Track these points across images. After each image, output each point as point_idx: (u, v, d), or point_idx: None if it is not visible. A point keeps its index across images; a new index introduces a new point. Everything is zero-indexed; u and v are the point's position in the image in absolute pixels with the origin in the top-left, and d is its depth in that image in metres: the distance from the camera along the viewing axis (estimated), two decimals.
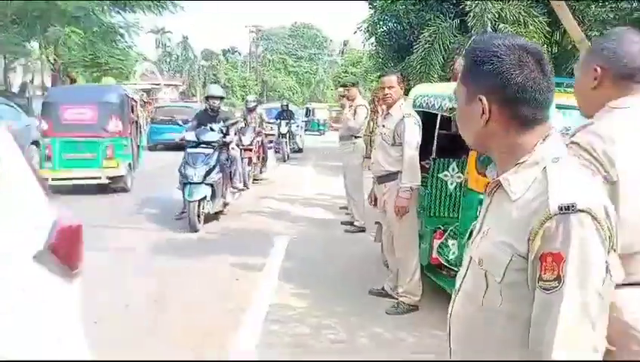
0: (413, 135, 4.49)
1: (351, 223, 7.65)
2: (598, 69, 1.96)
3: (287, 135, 16.89)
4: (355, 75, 41.24)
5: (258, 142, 11.77)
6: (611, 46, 1.96)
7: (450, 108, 4.50)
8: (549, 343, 1.14)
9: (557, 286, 1.15)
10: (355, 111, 7.66)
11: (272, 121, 17.41)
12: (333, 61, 72.34)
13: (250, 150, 10.95)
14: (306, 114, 29.89)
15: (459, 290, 1.42)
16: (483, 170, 4.08)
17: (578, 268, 1.14)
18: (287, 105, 18.29)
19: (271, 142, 16.18)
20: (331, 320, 4.49)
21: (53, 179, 8.77)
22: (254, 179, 11.43)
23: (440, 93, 4.97)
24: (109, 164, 9.54)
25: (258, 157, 11.86)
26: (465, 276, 1.40)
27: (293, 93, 63.53)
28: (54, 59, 19.36)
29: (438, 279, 4.78)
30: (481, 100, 1.30)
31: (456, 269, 4.37)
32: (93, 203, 8.92)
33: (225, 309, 4.67)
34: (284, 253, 6.34)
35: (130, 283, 5.24)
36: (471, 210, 4.10)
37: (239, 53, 71.14)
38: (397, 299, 4.73)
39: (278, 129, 16.67)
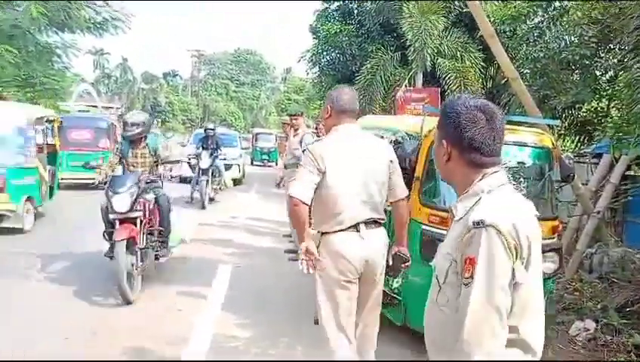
0: None
1: (295, 251, 7.64)
2: (329, 108, 3.37)
3: (211, 171, 12.33)
4: (297, 103, 41.59)
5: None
6: (335, 94, 3.40)
7: (395, 141, 4.64)
8: (464, 324, 1.55)
9: (470, 282, 1.56)
10: (301, 138, 7.73)
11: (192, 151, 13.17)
12: (276, 88, 72.81)
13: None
14: (255, 140, 27.77)
15: (428, 299, 1.83)
16: (426, 201, 4.21)
17: (484, 268, 1.55)
18: (212, 130, 13.07)
19: (186, 180, 13.55)
20: (276, 350, 4.47)
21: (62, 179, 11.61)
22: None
23: (384, 125, 5.13)
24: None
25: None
26: (430, 287, 1.82)
27: (235, 119, 63.28)
28: None
29: (382, 308, 4.84)
30: (444, 144, 1.77)
31: (399, 298, 4.46)
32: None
33: (167, 340, 4.56)
34: (228, 283, 6.26)
35: (67, 315, 5.04)
36: (414, 240, 4.21)
37: (180, 77, 70.46)
38: None
39: (197, 163, 11.79)
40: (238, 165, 17.65)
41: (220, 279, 6.39)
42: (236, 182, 17.07)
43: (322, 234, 3.24)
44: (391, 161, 3.36)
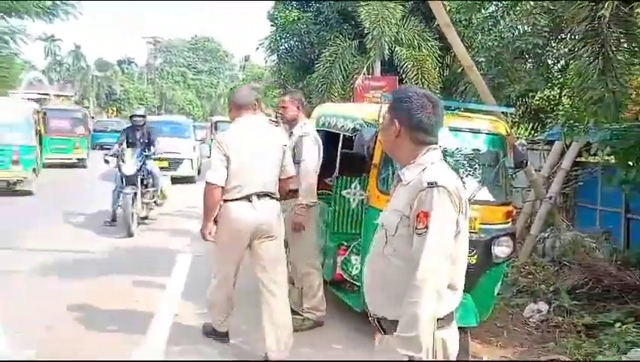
0: (310, 154, 4.61)
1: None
2: (231, 104, 4.31)
3: (140, 178, 8.50)
4: (256, 91, 41.25)
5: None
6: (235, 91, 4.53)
7: (353, 129, 4.66)
8: (419, 264, 1.91)
9: (425, 231, 1.93)
10: None
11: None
12: (235, 75, 71.91)
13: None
14: (214, 128, 21.35)
15: (369, 253, 2.21)
16: (384, 189, 4.25)
17: (437, 219, 1.93)
18: (141, 117, 9.22)
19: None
20: (236, 340, 4.45)
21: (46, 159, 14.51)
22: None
23: (343, 113, 5.14)
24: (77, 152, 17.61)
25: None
26: (374, 241, 2.19)
27: (194, 107, 62.37)
28: None
29: (341, 294, 4.89)
30: (395, 123, 2.11)
31: (359, 284, 4.51)
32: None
33: (125, 331, 4.50)
34: (188, 272, 6.20)
35: (21, 307, 4.90)
36: (372, 227, 4.21)
37: (136, 65, 68.79)
38: (302, 315, 4.78)
39: (118, 167, 8.44)
40: (191, 160, 15.12)
41: (179, 269, 6.32)
42: (189, 179, 14.45)
43: (224, 201, 3.96)
44: (284, 145, 4.18)
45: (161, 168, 11.65)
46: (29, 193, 11.45)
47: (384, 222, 2.12)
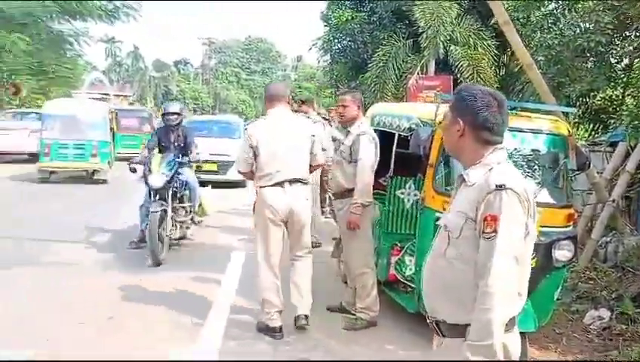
0: (367, 153, 4.57)
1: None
2: (264, 97, 4.74)
3: (171, 192, 6.88)
4: (308, 91, 41.50)
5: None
6: (267, 86, 4.93)
7: (408, 128, 4.62)
8: (488, 270, 1.85)
9: (494, 236, 1.87)
10: None
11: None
12: (287, 75, 72.53)
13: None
14: None
15: (428, 255, 2.14)
16: (440, 189, 4.20)
17: (507, 224, 1.87)
18: (176, 115, 7.35)
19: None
20: (289, 337, 4.49)
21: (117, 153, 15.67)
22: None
23: (398, 113, 5.10)
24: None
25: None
26: (434, 242, 2.12)
27: (247, 107, 63.29)
28: None
29: (395, 295, 4.87)
30: (459, 122, 2.04)
31: (413, 285, 4.47)
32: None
33: (181, 325, 4.61)
34: (242, 269, 6.30)
35: (84, 299, 5.11)
36: (428, 227, 4.20)
37: (191, 65, 70.44)
38: (355, 314, 4.78)
39: (145, 177, 6.82)
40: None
41: (234, 266, 6.43)
42: (240, 183, 12.67)
43: (260, 187, 4.46)
44: (312, 135, 4.59)
45: (210, 172, 12.09)
46: (104, 181, 13.39)
47: (447, 223, 2.05)
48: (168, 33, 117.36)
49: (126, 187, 10.73)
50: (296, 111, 9.12)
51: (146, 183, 6.67)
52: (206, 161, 10.79)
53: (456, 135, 2.06)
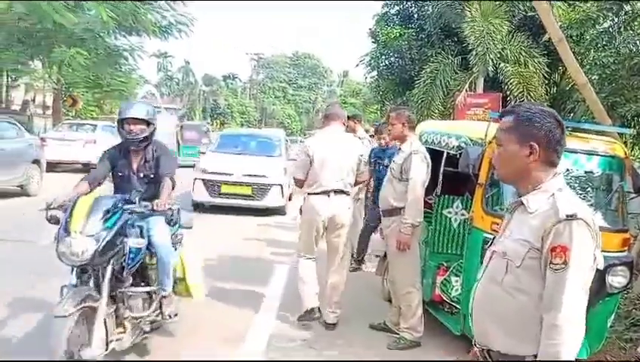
0: (419, 172, 4.53)
1: (351, 255, 7.52)
2: (321, 115, 5.54)
3: (117, 266, 3.69)
4: (354, 106, 41.63)
5: None
6: (327, 106, 6.02)
7: (457, 147, 4.57)
8: (558, 303, 1.78)
9: (564, 268, 1.79)
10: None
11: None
12: (333, 91, 72.96)
13: None
14: None
15: (480, 279, 2.05)
16: (489, 209, 4.12)
17: (578, 256, 1.79)
18: (140, 127, 4.10)
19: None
20: (332, 353, 4.48)
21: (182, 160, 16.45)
22: None
23: (446, 131, 5.05)
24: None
25: None
26: (485, 268, 2.03)
27: (292, 122, 63.94)
28: (57, 79, 19.49)
29: (439, 315, 4.79)
30: (531, 146, 1.91)
31: (458, 307, 4.39)
32: None
33: (225, 338, 4.65)
34: (285, 282, 6.32)
35: None
36: (475, 248, 4.13)
37: (239, 80, 71.76)
38: (398, 334, 4.72)
39: (57, 244, 3.47)
40: (281, 186, 11.00)
41: (277, 278, 6.47)
42: (278, 210, 11.12)
43: (308, 194, 5.00)
44: (360, 155, 5.13)
45: (243, 196, 10.74)
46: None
47: (506, 251, 1.94)
48: (218, 48, 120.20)
49: (187, 192, 11.01)
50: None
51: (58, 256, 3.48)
52: (239, 184, 10.81)
53: (526, 160, 1.93)
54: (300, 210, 5.18)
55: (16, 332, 4.37)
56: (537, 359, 1.84)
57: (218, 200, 10.78)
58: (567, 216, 1.81)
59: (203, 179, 10.81)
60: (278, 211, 11.07)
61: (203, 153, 19.47)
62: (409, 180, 4.52)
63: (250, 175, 10.84)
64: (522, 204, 1.95)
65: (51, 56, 17.16)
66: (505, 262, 1.93)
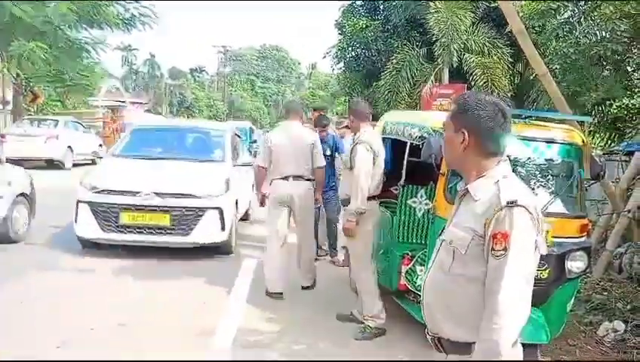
0: (361, 161, 4.64)
1: (319, 247, 7.63)
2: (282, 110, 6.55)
3: None
4: (322, 98, 41.61)
5: None
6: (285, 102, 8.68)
7: (420, 137, 4.60)
8: (497, 289, 1.78)
9: (504, 254, 1.80)
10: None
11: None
12: (301, 83, 72.89)
13: None
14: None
15: (430, 268, 2.07)
16: (452, 198, 4.16)
17: (518, 242, 1.79)
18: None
19: None
20: (300, 346, 4.48)
21: None
22: None
23: (410, 121, 5.07)
24: None
25: None
26: (435, 256, 2.05)
27: (261, 114, 63.57)
28: (17, 74, 18.95)
29: (405, 305, 4.82)
30: (463, 133, 1.94)
31: None
32: None
33: (192, 333, 4.60)
34: (252, 276, 6.29)
35: (94, 306, 5.13)
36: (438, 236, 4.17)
37: (207, 73, 70.91)
38: (363, 323, 4.77)
39: None
40: (220, 211, 6.89)
41: (244, 272, 6.43)
42: (216, 249, 7.09)
43: (272, 180, 5.68)
44: (313, 143, 5.77)
45: (158, 229, 6.63)
46: None
47: (453, 238, 1.95)
48: (184, 41, 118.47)
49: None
50: (310, 119, 9.21)
51: None
52: (150, 209, 6.59)
53: (460, 147, 1.96)
54: (264, 198, 5.86)
55: None
56: (477, 344, 1.84)
57: (115, 237, 6.69)
58: (508, 202, 1.82)
59: (90, 203, 6.68)
60: (218, 250, 7.11)
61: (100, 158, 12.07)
62: (353, 169, 4.67)
63: (168, 194, 6.64)
64: (468, 191, 1.97)
65: (9, 50, 16.67)
66: (452, 249, 1.94)
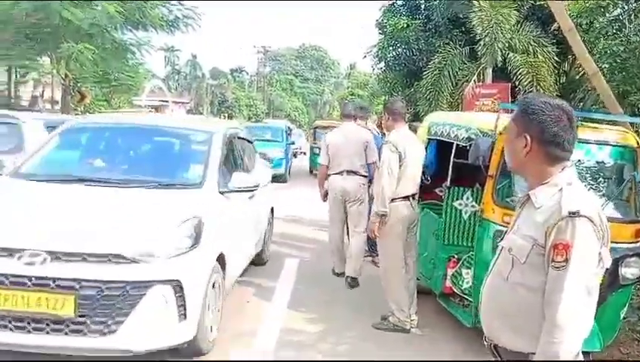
0: (384, 160, 4.68)
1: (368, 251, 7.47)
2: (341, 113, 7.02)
3: None
4: (361, 98, 41.50)
5: None
6: (343, 105, 7.21)
7: (467, 138, 4.54)
8: (558, 301, 1.73)
9: (565, 266, 1.74)
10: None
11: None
12: (340, 83, 72.86)
13: None
14: (313, 138, 19.88)
15: (489, 274, 2.02)
16: (500, 201, 4.10)
17: (580, 254, 1.73)
18: None
19: None
20: (344, 347, 4.49)
21: None
22: None
23: (456, 122, 5.01)
24: None
25: None
26: (494, 262, 2.01)
27: (299, 114, 63.85)
28: (65, 75, 19.53)
29: (450, 308, 4.77)
30: (525, 138, 1.88)
31: (470, 299, 4.38)
32: None
33: (236, 332, 4.65)
34: (295, 276, 6.33)
35: None
36: (486, 240, 4.11)
37: (247, 73, 71.64)
38: (387, 317, 4.91)
39: None
40: (177, 287, 3.60)
41: (287, 273, 6.47)
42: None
43: (329, 175, 6.20)
44: (367, 141, 6.18)
45: (52, 325, 3.34)
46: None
47: (512, 246, 1.91)
48: (225, 42, 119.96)
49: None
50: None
51: None
52: (37, 286, 3.33)
53: (522, 151, 1.90)
54: (326, 192, 6.34)
55: None
56: (536, 357, 1.79)
57: None
58: (570, 213, 1.75)
59: None
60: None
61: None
62: (377, 170, 4.85)
63: (73, 255, 3.46)
64: (530, 198, 1.91)
65: (59, 51, 17.18)
66: (511, 257, 1.90)
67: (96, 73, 20.25)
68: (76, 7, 16.03)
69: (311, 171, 18.74)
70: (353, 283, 5.98)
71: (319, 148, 16.86)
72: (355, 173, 6.09)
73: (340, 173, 6.09)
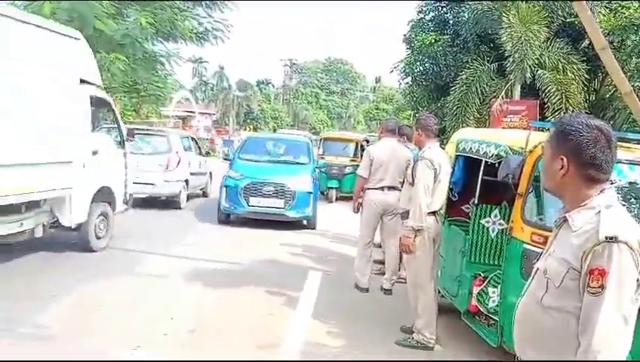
0: (422, 177, 4.64)
1: (383, 262, 7.56)
2: (381, 128, 7.03)
3: None
4: (387, 112, 41.50)
5: None
6: (384, 121, 7.32)
7: (497, 155, 4.50)
8: (592, 328, 1.66)
9: (601, 292, 1.68)
10: None
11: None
12: (365, 97, 72.94)
13: None
14: (322, 151, 16.88)
15: (523, 296, 1.97)
16: (529, 220, 4.05)
17: (616, 280, 1.67)
18: None
19: None
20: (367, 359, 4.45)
21: None
22: None
23: (485, 139, 4.97)
24: None
25: None
26: (530, 283, 1.96)
27: (324, 127, 64.04)
28: None
29: (476, 327, 4.70)
30: (562, 159, 1.83)
31: (495, 318, 4.31)
32: None
33: (259, 345, 4.65)
34: (318, 290, 6.32)
35: (167, 311, 5.29)
36: (514, 259, 4.05)
37: (273, 85, 72.32)
38: (412, 333, 4.84)
39: None
40: None
41: (310, 285, 6.47)
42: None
43: (367, 189, 6.40)
44: (408, 160, 6.20)
45: None
46: None
47: (547, 268, 1.85)
48: (251, 54, 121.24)
49: None
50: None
51: None
52: None
53: (559, 173, 1.84)
54: (361, 204, 6.46)
55: None
56: None
57: None
58: (607, 237, 1.70)
59: None
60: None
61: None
62: (413, 186, 4.71)
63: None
64: (566, 220, 1.85)
65: None
66: (545, 280, 1.85)
67: (126, 83, 20.59)
68: (109, 18, 16.37)
69: (322, 193, 13.99)
70: (388, 293, 6.32)
71: (328, 165, 16.47)
72: (395, 188, 6.25)
73: (382, 188, 6.28)
